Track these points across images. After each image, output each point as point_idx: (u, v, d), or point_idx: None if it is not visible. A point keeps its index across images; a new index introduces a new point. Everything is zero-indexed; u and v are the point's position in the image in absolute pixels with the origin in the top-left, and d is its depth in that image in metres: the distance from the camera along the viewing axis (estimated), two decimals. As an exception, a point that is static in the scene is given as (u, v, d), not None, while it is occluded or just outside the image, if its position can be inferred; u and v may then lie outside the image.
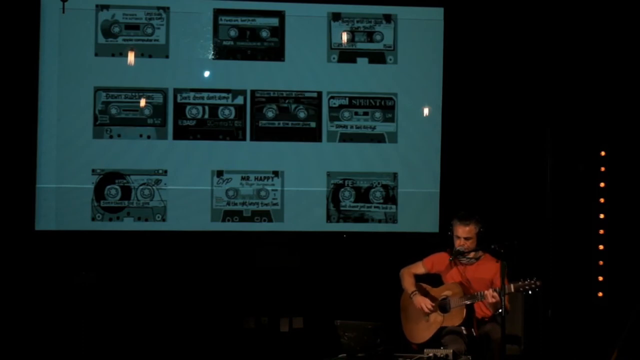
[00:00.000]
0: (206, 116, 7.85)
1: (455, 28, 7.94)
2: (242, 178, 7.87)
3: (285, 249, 7.97)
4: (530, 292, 6.24)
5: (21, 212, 7.57)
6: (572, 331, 7.78)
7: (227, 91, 7.88)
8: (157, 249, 7.77)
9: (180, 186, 7.78)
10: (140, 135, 7.79)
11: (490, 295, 6.24)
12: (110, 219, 7.74)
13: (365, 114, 7.97)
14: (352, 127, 7.97)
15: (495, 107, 7.96)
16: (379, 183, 7.99)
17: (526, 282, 6.22)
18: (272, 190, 7.88)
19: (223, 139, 7.86)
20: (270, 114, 7.91)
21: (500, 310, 6.28)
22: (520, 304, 6.73)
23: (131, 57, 7.59)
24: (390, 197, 7.98)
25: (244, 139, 7.88)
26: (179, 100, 7.82)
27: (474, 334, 6.44)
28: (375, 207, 7.98)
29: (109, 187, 7.74)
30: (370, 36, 7.97)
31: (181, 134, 7.82)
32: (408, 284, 6.72)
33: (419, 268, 6.77)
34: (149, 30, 7.79)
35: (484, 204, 7.49)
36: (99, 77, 7.73)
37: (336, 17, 7.96)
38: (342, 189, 7.96)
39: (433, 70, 7.96)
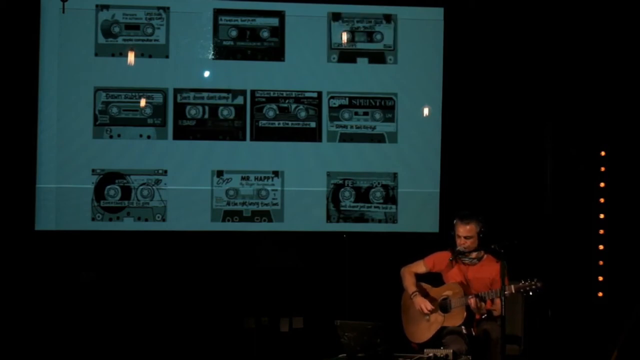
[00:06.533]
0: (206, 116, 7.85)
1: (455, 28, 7.94)
2: (242, 178, 7.87)
3: (285, 249, 7.97)
4: (531, 294, 6.25)
5: (21, 212, 7.57)
6: (572, 331, 7.78)
7: (227, 91, 7.88)
8: (157, 249, 7.77)
9: (180, 186, 7.78)
10: (140, 135, 7.79)
11: (474, 303, 6.33)
12: (110, 219, 7.74)
13: (365, 114, 7.97)
14: (352, 127, 7.97)
15: (495, 107, 7.96)
16: (379, 183, 7.99)
17: (527, 283, 6.23)
18: (272, 190, 7.89)
19: (223, 139, 7.86)
20: (270, 114, 7.91)
21: (484, 315, 6.44)
22: (520, 304, 6.74)
23: (131, 57, 7.59)
24: (390, 197, 7.98)
25: (244, 139, 7.88)
26: (179, 100, 7.82)
27: (473, 333, 6.45)
28: (375, 207, 7.98)
29: (108, 187, 7.74)
30: (370, 36, 7.97)
31: (181, 134, 7.82)
32: (409, 283, 6.72)
33: (420, 267, 6.77)
34: (149, 30, 7.79)
35: (484, 203, 7.49)
36: (99, 77, 7.73)
37: (336, 17, 7.96)
38: (342, 189, 7.96)
39: (433, 70, 7.96)
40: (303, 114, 7.93)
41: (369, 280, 7.80)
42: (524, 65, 7.94)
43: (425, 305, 6.56)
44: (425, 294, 6.64)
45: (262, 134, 7.90)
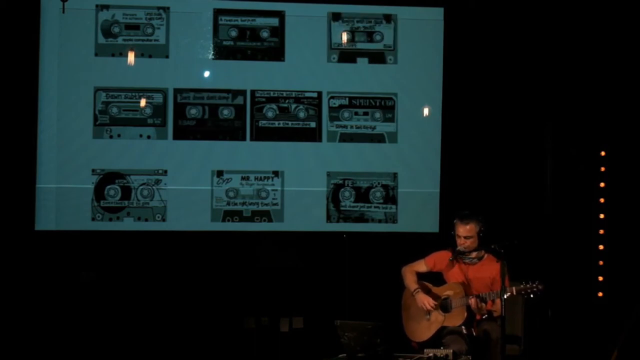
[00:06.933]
0: (206, 116, 7.85)
1: (455, 28, 7.94)
2: (242, 178, 7.87)
3: (285, 249, 7.97)
4: (532, 296, 6.25)
5: (21, 212, 7.57)
6: (572, 331, 7.78)
7: (227, 91, 7.88)
8: (157, 249, 7.77)
9: (180, 186, 7.78)
10: (140, 135, 7.79)
11: (475, 304, 6.32)
12: (110, 219, 7.74)
13: (365, 114, 7.97)
14: (352, 127, 7.97)
15: (495, 107, 7.96)
16: (379, 183, 7.99)
17: (528, 285, 6.23)
18: (272, 190, 7.88)
19: (223, 139, 7.86)
20: (270, 114, 7.91)
21: (485, 316, 6.44)
22: (520, 304, 6.73)
23: (131, 57, 7.59)
24: (390, 197, 7.98)
25: (244, 139, 7.88)
26: (179, 100, 7.82)
27: (473, 333, 6.45)
28: (375, 207, 7.98)
29: (108, 187, 7.74)
30: (370, 36, 7.97)
31: (181, 134, 7.82)
32: (410, 281, 6.73)
33: (421, 266, 6.77)
34: (149, 30, 7.79)
35: (484, 203, 7.49)
36: (99, 77, 7.73)
37: (336, 17, 7.96)
38: (342, 189, 7.96)
39: (433, 70, 7.96)
40: (303, 114, 7.93)
41: (369, 280, 7.80)
42: (523, 65, 7.94)
43: (428, 301, 6.56)
44: (427, 293, 6.64)
45: (262, 134, 7.90)
